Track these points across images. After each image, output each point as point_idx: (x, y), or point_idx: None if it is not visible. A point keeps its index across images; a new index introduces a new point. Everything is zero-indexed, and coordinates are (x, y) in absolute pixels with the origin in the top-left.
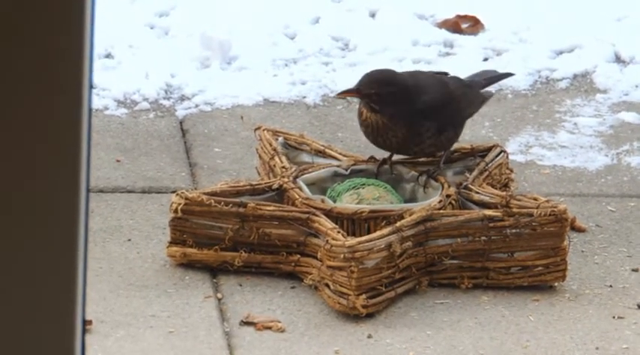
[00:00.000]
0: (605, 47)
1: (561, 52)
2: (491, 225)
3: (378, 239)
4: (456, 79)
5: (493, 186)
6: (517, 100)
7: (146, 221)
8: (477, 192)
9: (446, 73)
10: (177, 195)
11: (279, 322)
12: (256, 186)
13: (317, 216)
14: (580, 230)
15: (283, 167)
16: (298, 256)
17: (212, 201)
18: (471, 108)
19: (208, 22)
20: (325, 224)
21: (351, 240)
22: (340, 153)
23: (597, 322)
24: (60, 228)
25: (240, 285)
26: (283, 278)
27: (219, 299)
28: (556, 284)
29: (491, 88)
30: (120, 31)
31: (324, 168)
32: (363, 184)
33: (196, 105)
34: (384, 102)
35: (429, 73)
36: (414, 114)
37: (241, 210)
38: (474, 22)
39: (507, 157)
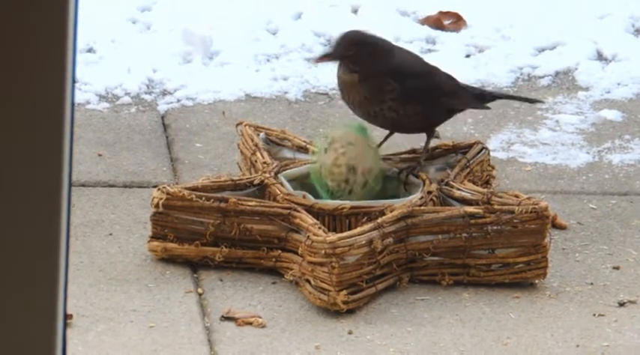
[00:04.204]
0: (588, 45)
1: (543, 50)
2: (473, 221)
3: (359, 235)
4: (448, 75)
5: (474, 183)
6: None
7: (127, 215)
8: (459, 189)
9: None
10: (158, 189)
11: (260, 317)
12: (237, 182)
13: (298, 211)
14: (561, 227)
15: (265, 162)
16: (279, 252)
17: (193, 196)
18: (453, 99)
19: (190, 17)
20: (306, 219)
21: (332, 236)
22: None
23: (578, 319)
24: (42, 221)
25: (221, 280)
26: (264, 274)
27: (200, 295)
28: (537, 281)
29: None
30: (102, 25)
31: (305, 164)
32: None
33: (178, 100)
34: (362, 62)
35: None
36: (384, 73)
37: (222, 205)
38: (457, 18)
39: (489, 154)
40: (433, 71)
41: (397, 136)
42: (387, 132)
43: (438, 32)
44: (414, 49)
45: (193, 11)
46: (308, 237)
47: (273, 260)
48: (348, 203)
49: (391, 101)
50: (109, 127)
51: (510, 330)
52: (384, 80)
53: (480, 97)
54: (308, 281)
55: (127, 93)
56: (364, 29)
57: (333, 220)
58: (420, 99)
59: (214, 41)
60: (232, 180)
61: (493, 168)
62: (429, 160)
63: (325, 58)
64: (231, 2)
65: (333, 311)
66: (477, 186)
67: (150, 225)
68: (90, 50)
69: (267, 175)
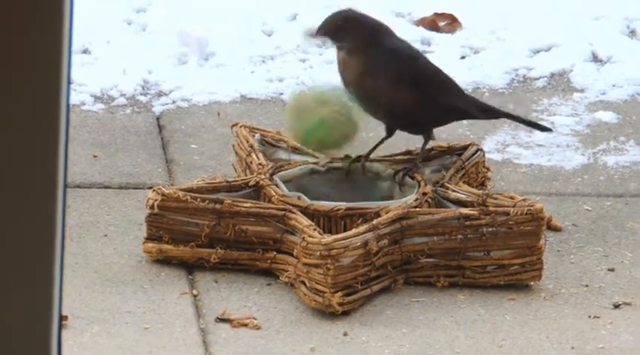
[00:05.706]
0: (583, 46)
1: (538, 51)
2: (468, 223)
3: (354, 236)
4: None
5: (470, 185)
6: (494, 99)
7: (122, 217)
8: (454, 191)
9: None
10: (153, 191)
11: (255, 319)
12: (233, 183)
13: (293, 213)
14: (556, 229)
15: (260, 164)
16: (274, 253)
17: (188, 197)
18: (446, 93)
19: (186, 19)
20: (301, 221)
21: (327, 238)
22: None
23: (573, 321)
24: (37, 223)
25: (216, 282)
26: (259, 276)
27: (195, 296)
28: (532, 283)
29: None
30: (97, 26)
31: (300, 165)
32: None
33: (173, 102)
34: (348, 37)
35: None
36: (376, 53)
37: (217, 206)
38: (452, 20)
39: (484, 156)
40: (418, 54)
41: (393, 137)
42: (379, 137)
43: (433, 33)
44: None
45: (189, 12)
46: (303, 238)
47: (269, 261)
48: (343, 204)
49: (386, 81)
50: (105, 128)
51: (505, 332)
52: (375, 58)
53: (483, 110)
54: (303, 282)
55: (123, 95)
56: (352, 8)
57: (328, 221)
58: (407, 86)
59: (210, 42)
60: (227, 182)
61: (488, 169)
62: (425, 162)
63: (316, 34)
64: (227, 4)
65: (328, 313)
66: (472, 187)
67: (145, 227)
68: (85, 51)
69: (263, 177)
